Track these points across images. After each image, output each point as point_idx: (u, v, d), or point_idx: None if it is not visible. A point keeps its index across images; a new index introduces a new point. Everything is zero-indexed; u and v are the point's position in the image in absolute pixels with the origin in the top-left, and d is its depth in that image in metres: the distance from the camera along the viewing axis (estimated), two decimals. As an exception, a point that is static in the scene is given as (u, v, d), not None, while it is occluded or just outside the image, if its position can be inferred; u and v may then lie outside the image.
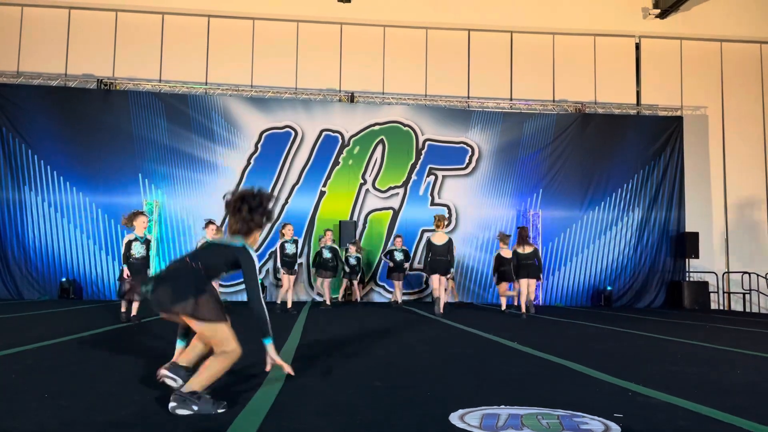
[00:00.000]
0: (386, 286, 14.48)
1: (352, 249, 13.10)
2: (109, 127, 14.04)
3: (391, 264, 13.10)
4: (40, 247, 13.69)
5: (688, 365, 4.81)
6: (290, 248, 10.57)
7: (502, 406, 3.04)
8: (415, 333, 7.02)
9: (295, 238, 10.99)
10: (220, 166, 14.38)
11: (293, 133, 14.65)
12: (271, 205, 3.27)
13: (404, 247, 13.24)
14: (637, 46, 16.19)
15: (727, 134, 16.09)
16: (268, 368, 3.23)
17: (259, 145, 14.54)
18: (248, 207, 3.17)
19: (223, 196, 3.32)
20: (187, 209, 14.15)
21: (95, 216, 13.85)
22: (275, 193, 14.50)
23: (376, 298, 14.51)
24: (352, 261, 13.06)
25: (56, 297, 13.34)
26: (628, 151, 15.38)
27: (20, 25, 14.60)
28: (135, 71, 14.67)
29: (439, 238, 9.96)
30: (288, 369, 3.30)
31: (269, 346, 3.17)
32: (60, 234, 13.77)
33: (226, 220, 3.32)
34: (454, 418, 2.79)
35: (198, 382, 2.88)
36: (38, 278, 13.61)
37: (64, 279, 13.47)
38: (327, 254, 12.23)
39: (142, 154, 14.14)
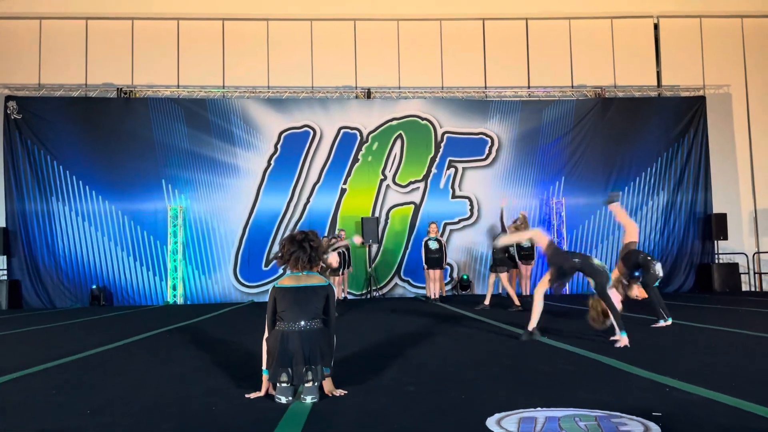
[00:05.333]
0: (410, 281, 14.48)
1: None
2: (130, 135, 14.23)
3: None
4: (69, 255, 13.95)
5: (725, 355, 4.74)
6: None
7: (539, 409, 3.04)
8: (446, 331, 7.02)
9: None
10: (243, 169, 14.49)
11: (312, 132, 14.70)
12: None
13: (439, 237, 12.47)
14: (656, 27, 15.91)
15: (752, 111, 15.77)
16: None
17: (278, 146, 14.61)
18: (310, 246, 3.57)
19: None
20: (211, 212, 14.30)
21: (121, 223, 14.06)
22: (296, 192, 14.58)
23: (401, 293, 14.51)
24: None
25: (87, 304, 13.59)
26: (650, 133, 15.15)
27: (39, 37, 14.81)
28: (153, 78, 14.82)
29: None
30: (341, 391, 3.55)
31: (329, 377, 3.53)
32: (88, 242, 14.01)
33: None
34: (491, 423, 2.79)
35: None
36: (69, 286, 13.87)
37: (94, 286, 13.70)
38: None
39: (164, 159, 14.30)
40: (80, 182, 14.06)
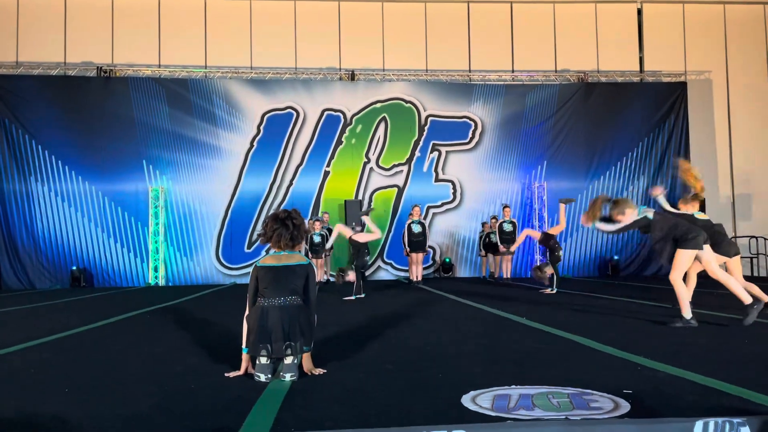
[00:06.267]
0: (393, 263, 14.56)
1: (317, 226, 12.80)
2: (110, 115, 14.06)
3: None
4: (49, 236, 13.81)
5: (696, 336, 4.85)
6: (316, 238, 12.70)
7: (513, 386, 3.10)
8: (425, 312, 7.10)
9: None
10: (225, 150, 14.41)
11: (295, 113, 14.62)
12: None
13: (422, 220, 12.55)
14: (639, 12, 15.99)
15: (732, 98, 15.96)
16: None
17: (261, 128, 14.53)
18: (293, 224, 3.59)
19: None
20: (193, 194, 14.22)
21: (102, 204, 13.94)
22: (279, 174, 14.54)
23: (384, 275, 14.58)
24: (316, 239, 12.68)
25: (68, 285, 13.49)
26: (632, 118, 15.29)
27: (17, 14, 14.51)
28: (134, 57, 14.62)
29: None
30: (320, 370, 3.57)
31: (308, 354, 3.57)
32: (68, 223, 13.88)
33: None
34: (467, 400, 2.84)
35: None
36: (49, 267, 13.76)
37: (74, 267, 13.61)
38: (317, 238, 12.71)
39: (145, 140, 14.17)
40: (59, 162, 13.89)
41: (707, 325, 5.54)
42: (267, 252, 3.72)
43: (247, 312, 3.55)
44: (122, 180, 13.98)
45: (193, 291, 11.27)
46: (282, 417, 2.63)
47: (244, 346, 3.51)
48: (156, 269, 13.89)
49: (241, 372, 3.52)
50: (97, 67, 14.28)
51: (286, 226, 3.55)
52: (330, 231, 13.29)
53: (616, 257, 14.85)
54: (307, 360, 3.53)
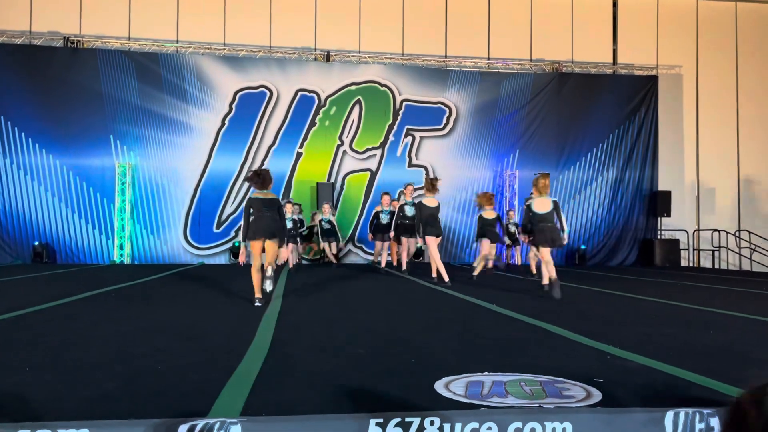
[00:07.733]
0: (364, 248, 14.53)
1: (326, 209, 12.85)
2: (77, 87, 13.65)
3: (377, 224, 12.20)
4: (10, 210, 13.41)
5: (663, 326, 4.93)
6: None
7: (486, 373, 3.09)
8: (397, 297, 7.08)
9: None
10: (195, 128, 14.13)
11: (268, 93, 14.40)
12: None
13: (392, 209, 12.17)
14: (615, 4, 16.10)
15: (701, 93, 16.23)
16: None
17: (233, 106, 14.28)
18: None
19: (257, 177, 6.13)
20: (162, 171, 13.94)
21: (66, 179, 13.58)
22: (251, 154, 14.34)
23: (354, 259, 14.55)
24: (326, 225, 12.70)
25: (29, 261, 13.14)
26: (603, 110, 15.46)
27: (-21, -22, 13.94)
28: (103, 28, 14.18)
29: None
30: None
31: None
32: (31, 197, 13.49)
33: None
34: (440, 386, 2.83)
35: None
36: (10, 242, 13.38)
37: (36, 243, 13.25)
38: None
39: (113, 114, 13.80)
40: (23, 134, 13.46)
41: (672, 315, 5.65)
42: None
43: (244, 224, 6.01)
44: (88, 155, 13.62)
45: (159, 270, 11.08)
46: (252, 401, 2.58)
47: (243, 241, 6.22)
48: (121, 247, 13.62)
49: (241, 259, 6.54)
50: (64, 38, 13.81)
51: (258, 176, 6.10)
52: (331, 223, 13.19)
53: (583, 246, 15.07)
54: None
